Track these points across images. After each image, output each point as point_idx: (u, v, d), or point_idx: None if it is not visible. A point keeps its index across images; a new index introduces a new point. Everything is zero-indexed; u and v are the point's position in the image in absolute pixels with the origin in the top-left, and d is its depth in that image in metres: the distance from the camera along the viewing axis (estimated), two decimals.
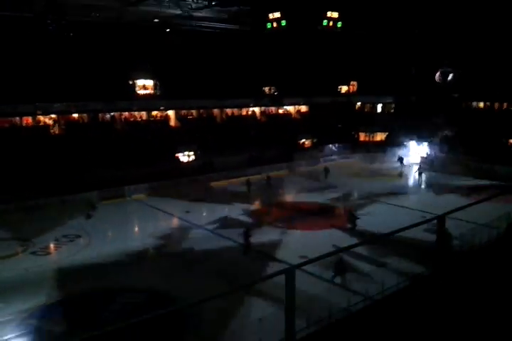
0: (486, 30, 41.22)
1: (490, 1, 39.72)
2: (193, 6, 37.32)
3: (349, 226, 23.10)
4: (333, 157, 45.01)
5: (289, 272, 8.87)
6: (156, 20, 39.65)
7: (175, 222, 26.69)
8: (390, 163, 42.11)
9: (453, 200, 27.44)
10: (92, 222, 25.45)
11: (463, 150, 39.33)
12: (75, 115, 37.86)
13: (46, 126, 36.29)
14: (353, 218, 23.22)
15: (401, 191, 32.85)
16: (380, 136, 49.13)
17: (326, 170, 37.04)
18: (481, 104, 47.50)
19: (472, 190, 30.66)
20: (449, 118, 43.04)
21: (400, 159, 40.46)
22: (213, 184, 35.17)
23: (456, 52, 43.40)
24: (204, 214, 28.50)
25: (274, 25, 40.11)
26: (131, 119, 40.78)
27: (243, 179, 33.96)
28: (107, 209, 28.52)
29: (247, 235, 20.13)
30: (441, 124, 42.88)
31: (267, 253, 19.96)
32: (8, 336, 13.63)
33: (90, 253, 20.66)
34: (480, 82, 43.35)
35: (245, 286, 7.85)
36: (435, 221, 13.27)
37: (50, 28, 35.35)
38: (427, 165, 39.75)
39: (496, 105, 46.20)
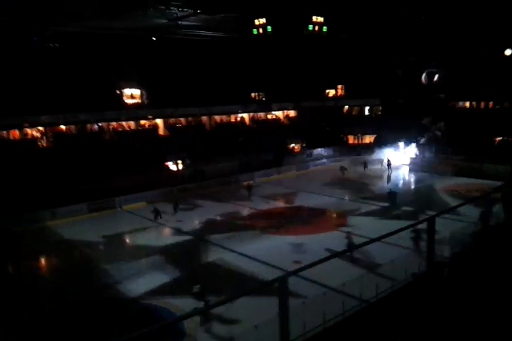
0: (469, 30, 41.65)
1: (472, 3, 40.17)
2: (179, 14, 37.28)
3: None
4: (322, 161, 45.07)
5: (282, 280, 8.78)
6: (142, 29, 39.58)
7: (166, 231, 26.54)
8: (377, 165, 41.37)
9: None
10: (83, 235, 25.17)
11: (451, 150, 39.61)
12: (63, 127, 37.61)
13: (34, 139, 35.98)
14: None
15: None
16: (368, 139, 49.32)
17: (249, 188, 33.35)
18: (467, 104, 47.91)
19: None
20: (436, 119, 43.39)
21: (388, 162, 39.08)
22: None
23: (441, 53, 43.83)
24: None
25: (260, 31, 40.12)
26: (120, 129, 40.60)
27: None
28: (98, 220, 28.27)
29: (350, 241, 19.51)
30: (429, 125, 43.15)
31: None
32: None
33: None
34: (465, 82, 43.77)
35: (238, 296, 7.75)
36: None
37: (34, 39, 35.22)
38: (414, 165, 40.03)
39: (482, 104, 46.61)
